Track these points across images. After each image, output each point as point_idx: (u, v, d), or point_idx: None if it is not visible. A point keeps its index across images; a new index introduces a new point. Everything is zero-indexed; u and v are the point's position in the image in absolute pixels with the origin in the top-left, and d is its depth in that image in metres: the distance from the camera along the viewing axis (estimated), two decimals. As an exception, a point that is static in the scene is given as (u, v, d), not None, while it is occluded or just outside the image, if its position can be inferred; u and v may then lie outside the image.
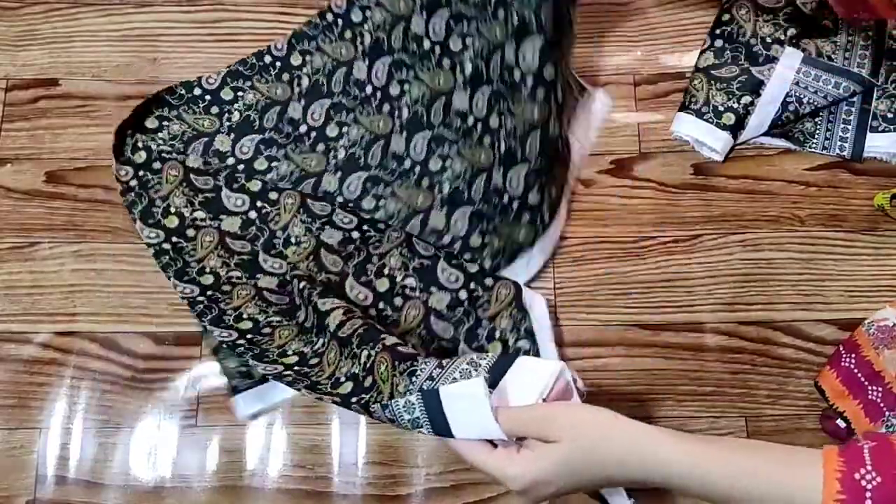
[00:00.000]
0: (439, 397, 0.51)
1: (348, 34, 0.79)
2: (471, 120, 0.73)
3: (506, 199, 0.71)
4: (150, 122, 0.77)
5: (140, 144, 0.76)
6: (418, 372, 0.55)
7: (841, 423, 0.65)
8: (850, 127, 0.76)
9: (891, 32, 0.77)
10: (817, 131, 0.76)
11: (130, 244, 0.74)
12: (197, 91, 0.78)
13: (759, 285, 0.72)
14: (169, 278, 0.71)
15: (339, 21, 0.79)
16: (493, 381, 0.52)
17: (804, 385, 0.69)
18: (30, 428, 0.69)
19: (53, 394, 0.70)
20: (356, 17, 0.79)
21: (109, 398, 0.70)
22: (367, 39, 0.77)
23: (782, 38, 0.75)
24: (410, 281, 0.71)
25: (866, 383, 0.64)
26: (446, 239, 0.72)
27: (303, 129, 0.77)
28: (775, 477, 0.42)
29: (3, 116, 0.78)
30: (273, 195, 0.74)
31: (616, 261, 0.73)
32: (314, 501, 0.67)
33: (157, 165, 0.75)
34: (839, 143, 0.76)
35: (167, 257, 0.72)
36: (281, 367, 0.64)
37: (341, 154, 0.76)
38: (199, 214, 0.73)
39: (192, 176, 0.75)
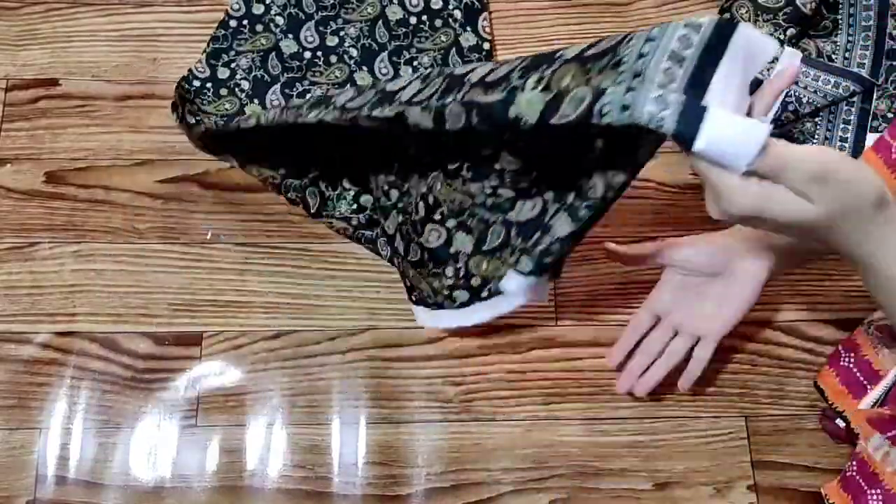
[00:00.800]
0: (704, 111, 0.41)
1: (259, 27, 0.80)
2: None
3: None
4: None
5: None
6: (623, 62, 0.44)
7: (840, 422, 0.65)
8: (850, 127, 0.76)
9: (891, 32, 0.77)
10: (817, 131, 0.76)
11: (130, 244, 0.74)
12: (196, 83, 0.78)
13: (758, 285, 0.72)
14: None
15: (245, 22, 0.80)
16: (710, 60, 0.42)
17: (804, 385, 0.69)
18: (30, 428, 0.69)
19: (53, 394, 0.70)
20: (258, 10, 0.80)
21: (109, 398, 0.70)
22: (281, 21, 0.79)
23: (782, 38, 0.75)
24: None
25: (865, 382, 0.64)
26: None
27: (308, 55, 0.79)
28: None
29: (3, 116, 0.78)
30: None
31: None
32: (314, 501, 0.67)
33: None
34: (839, 143, 0.76)
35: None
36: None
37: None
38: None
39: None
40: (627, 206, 0.75)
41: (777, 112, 0.75)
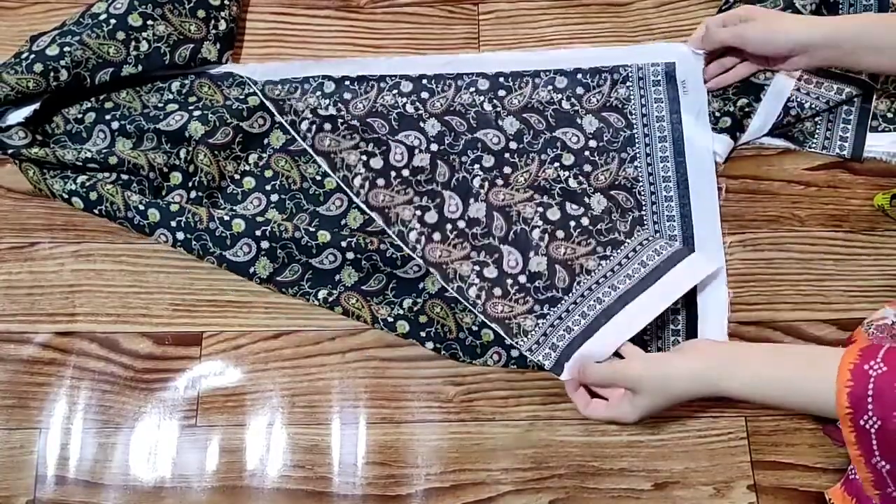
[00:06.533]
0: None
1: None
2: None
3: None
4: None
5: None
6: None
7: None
8: (849, 127, 0.76)
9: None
10: (817, 131, 0.76)
11: (130, 244, 0.74)
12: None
13: (759, 285, 0.73)
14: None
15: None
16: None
17: (804, 385, 0.69)
18: (30, 428, 0.69)
19: (53, 394, 0.70)
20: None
21: (109, 398, 0.70)
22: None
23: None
24: None
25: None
26: None
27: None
28: (799, 382, 0.52)
29: (3, 116, 0.78)
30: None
31: (616, 261, 0.73)
32: (314, 501, 0.67)
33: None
34: (839, 142, 0.76)
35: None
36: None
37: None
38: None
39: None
40: (627, 206, 0.75)
41: (779, 117, 0.74)
